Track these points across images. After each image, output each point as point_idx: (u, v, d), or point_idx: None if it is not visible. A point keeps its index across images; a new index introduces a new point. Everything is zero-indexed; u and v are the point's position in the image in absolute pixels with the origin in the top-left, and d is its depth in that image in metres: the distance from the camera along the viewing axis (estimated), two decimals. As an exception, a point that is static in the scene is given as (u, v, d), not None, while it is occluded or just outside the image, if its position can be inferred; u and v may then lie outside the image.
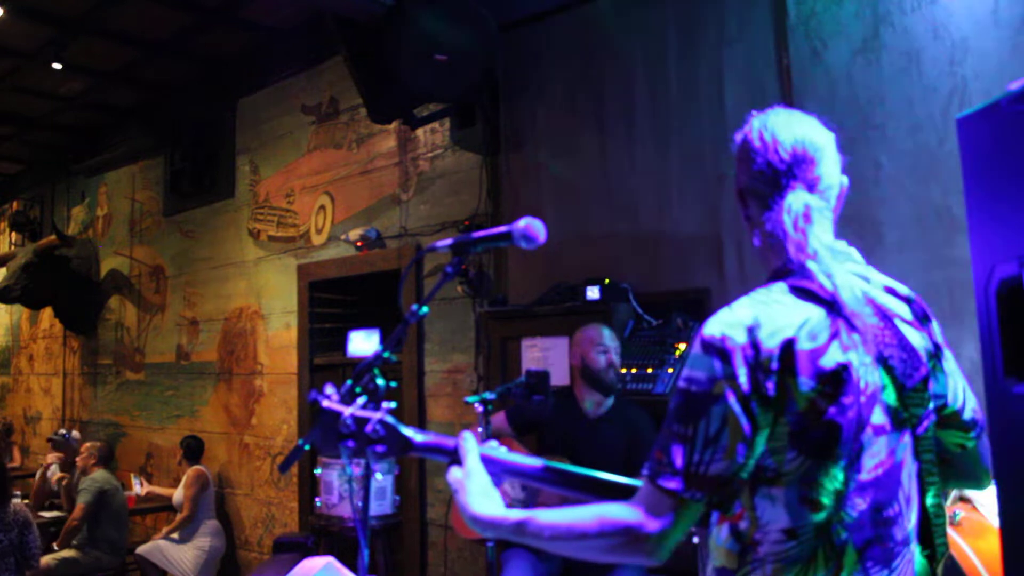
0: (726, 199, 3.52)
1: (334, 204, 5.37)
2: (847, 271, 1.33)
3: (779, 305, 1.24)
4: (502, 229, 1.37)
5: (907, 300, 1.41)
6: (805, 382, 1.19)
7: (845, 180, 1.45)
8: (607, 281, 3.61)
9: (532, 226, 1.36)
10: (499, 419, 3.28)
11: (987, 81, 2.84)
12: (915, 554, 1.30)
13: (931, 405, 1.34)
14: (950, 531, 2.09)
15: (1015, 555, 1.62)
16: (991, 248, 1.66)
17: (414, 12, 3.94)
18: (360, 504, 1.37)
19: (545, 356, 3.79)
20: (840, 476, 1.21)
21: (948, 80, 2.96)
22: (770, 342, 1.19)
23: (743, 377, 1.18)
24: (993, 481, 1.71)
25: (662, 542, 1.18)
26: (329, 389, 1.34)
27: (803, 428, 1.19)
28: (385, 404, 1.35)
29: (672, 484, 1.17)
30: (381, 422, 1.32)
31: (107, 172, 7.67)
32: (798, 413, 1.19)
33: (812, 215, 1.35)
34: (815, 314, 1.23)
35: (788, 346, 1.19)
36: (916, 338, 1.35)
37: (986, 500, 2.23)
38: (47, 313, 8.23)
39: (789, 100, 3.35)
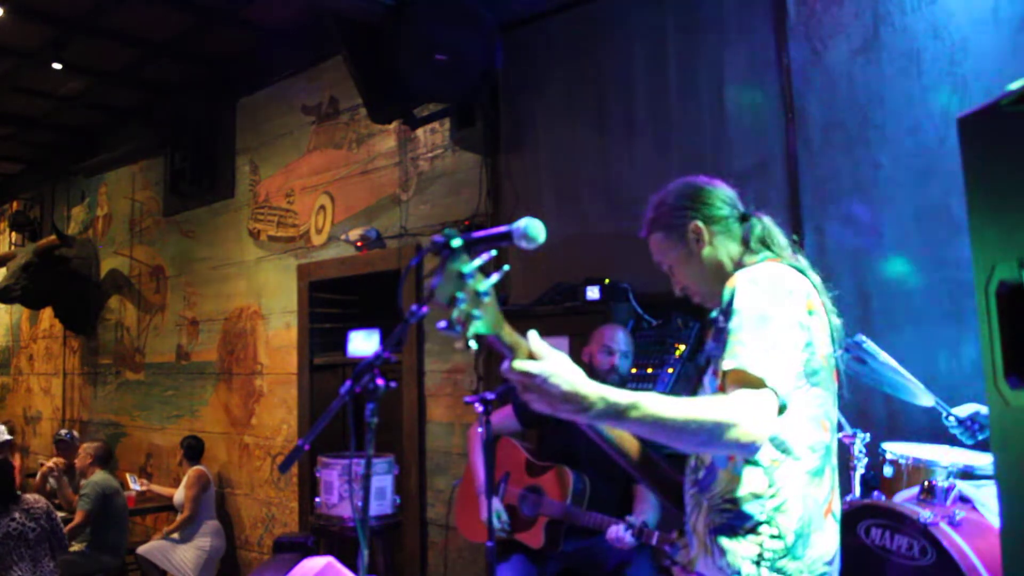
0: (726, 199, 3.52)
1: (334, 204, 5.37)
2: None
3: (793, 271, 1.57)
4: (502, 229, 1.37)
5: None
6: (819, 323, 1.52)
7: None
8: (607, 281, 3.61)
9: (532, 226, 1.36)
10: (504, 414, 3.28)
11: (987, 81, 2.84)
12: None
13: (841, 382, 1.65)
14: (950, 531, 2.09)
15: (1015, 555, 1.62)
16: (991, 248, 1.66)
17: (414, 12, 3.94)
18: (360, 504, 1.36)
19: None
20: (833, 409, 1.56)
21: (948, 80, 2.96)
22: (800, 288, 1.51)
23: (789, 306, 1.47)
24: (994, 483, 1.71)
25: (762, 429, 1.34)
26: (456, 240, 1.25)
27: (811, 358, 1.49)
28: (504, 268, 1.36)
29: (760, 371, 1.36)
30: (496, 283, 1.26)
31: (107, 172, 7.67)
32: (811, 345, 1.49)
33: (772, 227, 1.70)
34: (808, 282, 1.57)
35: (808, 295, 1.52)
36: (839, 321, 1.64)
37: (986, 500, 2.22)
38: (47, 313, 8.23)
39: (789, 100, 3.35)
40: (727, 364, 1.40)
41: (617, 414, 1.27)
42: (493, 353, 4.03)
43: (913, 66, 3.05)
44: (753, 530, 1.45)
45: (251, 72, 5.99)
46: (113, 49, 5.80)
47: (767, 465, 1.46)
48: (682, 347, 3.41)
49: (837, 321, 1.62)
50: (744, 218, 1.70)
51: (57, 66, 5.98)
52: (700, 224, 1.69)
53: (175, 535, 5.37)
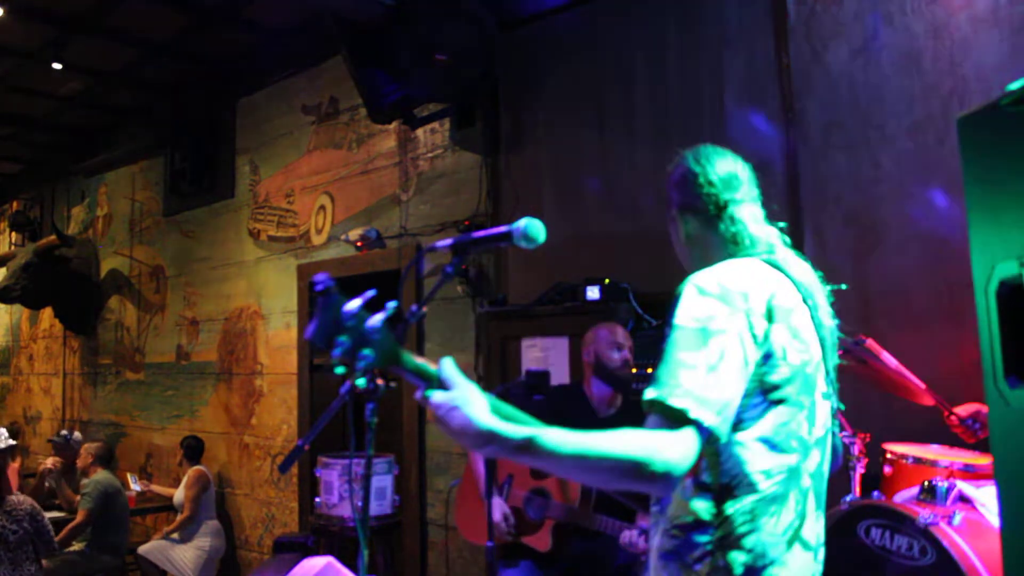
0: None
1: (334, 204, 5.37)
2: (793, 256, 1.54)
3: (758, 269, 1.44)
4: (502, 229, 1.37)
5: (822, 287, 1.58)
6: (781, 330, 1.36)
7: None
8: (607, 281, 3.61)
9: (532, 226, 1.36)
10: None
11: (987, 81, 2.84)
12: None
13: (833, 385, 1.53)
14: (950, 531, 2.09)
15: (1015, 555, 1.62)
16: (991, 248, 1.66)
17: (414, 12, 3.94)
18: (360, 504, 1.36)
19: (545, 356, 3.79)
20: (804, 425, 1.39)
21: (948, 80, 2.96)
22: (757, 292, 1.36)
23: (738, 316, 1.32)
24: (994, 483, 1.71)
25: (678, 467, 1.20)
26: (328, 282, 1.22)
27: (774, 372, 1.35)
28: (391, 304, 1.26)
29: (681, 403, 1.23)
30: (382, 323, 1.22)
31: (107, 172, 7.67)
32: (772, 357, 1.35)
33: (757, 217, 1.58)
34: (784, 282, 1.44)
35: (770, 298, 1.37)
36: (830, 320, 1.53)
37: (986, 500, 2.22)
38: (47, 313, 8.23)
39: (789, 100, 3.35)
40: (647, 393, 1.27)
41: (513, 450, 1.20)
42: (494, 353, 4.04)
43: (913, 66, 3.05)
44: (701, 559, 1.33)
45: (251, 72, 5.99)
46: (113, 49, 5.79)
47: (716, 492, 1.33)
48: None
49: (829, 322, 1.50)
50: (721, 208, 1.55)
51: (57, 66, 5.98)
52: (677, 213, 1.63)
53: (175, 535, 5.37)
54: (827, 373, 1.48)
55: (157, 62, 6.03)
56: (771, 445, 1.34)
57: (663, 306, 3.93)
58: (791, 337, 1.37)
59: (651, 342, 3.53)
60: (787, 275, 1.46)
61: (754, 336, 1.32)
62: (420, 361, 1.29)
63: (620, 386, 3.15)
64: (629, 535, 2.80)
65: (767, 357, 1.34)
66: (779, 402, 1.35)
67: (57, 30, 5.48)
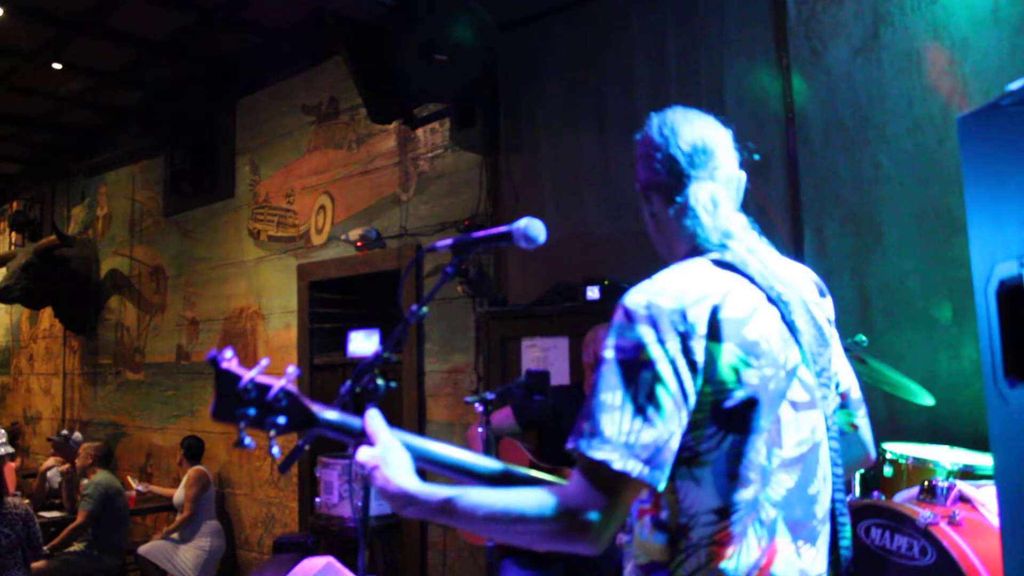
0: (726, 199, 3.52)
1: (334, 204, 5.37)
2: (765, 248, 1.36)
3: (703, 275, 1.24)
4: (502, 229, 1.37)
5: (807, 275, 1.43)
6: (730, 350, 1.18)
7: (743, 175, 1.44)
8: (607, 281, 3.61)
9: (532, 226, 1.36)
10: (504, 414, 3.28)
11: (987, 81, 2.84)
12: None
13: (832, 385, 1.36)
14: (950, 531, 2.09)
15: (1015, 555, 1.62)
16: (991, 248, 1.66)
17: (414, 12, 3.94)
18: (360, 504, 1.36)
19: (545, 356, 3.79)
20: (763, 451, 1.20)
21: (948, 80, 2.96)
22: (696, 308, 1.18)
23: (671, 342, 1.15)
24: (994, 483, 1.71)
25: (603, 525, 1.10)
26: (228, 353, 1.20)
27: (725, 398, 1.18)
28: (291, 369, 1.22)
29: (602, 454, 1.11)
30: (283, 391, 1.20)
31: (107, 172, 7.67)
32: (721, 382, 1.17)
33: (719, 200, 1.35)
34: (737, 285, 1.24)
35: (714, 313, 1.19)
36: (820, 316, 1.36)
37: (986, 500, 2.22)
38: (47, 313, 8.23)
39: (789, 100, 3.35)
40: (568, 442, 1.15)
41: (434, 512, 1.18)
42: (494, 353, 4.04)
43: (913, 66, 3.05)
44: None
45: (251, 72, 5.98)
46: (113, 49, 5.79)
47: (672, 531, 1.21)
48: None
49: (818, 318, 1.34)
50: (679, 188, 1.36)
51: (57, 66, 5.98)
52: (640, 191, 1.43)
53: (175, 535, 5.36)
54: (818, 374, 1.30)
55: (157, 62, 6.03)
56: (728, 478, 1.19)
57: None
58: (744, 354, 1.19)
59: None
60: (744, 275, 1.27)
61: (693, 362, 1.16)
62: (341, 418, 1.26)
63: None
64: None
65: (715, 383, 1.17)
66: (738, 429, 1.19)
67: (57, 30, 5.48)
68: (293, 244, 5.63)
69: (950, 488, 2.25)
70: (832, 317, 1.43)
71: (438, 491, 1.18)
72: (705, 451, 1.19)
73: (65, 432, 6.45)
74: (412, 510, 1.20)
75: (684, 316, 1.17)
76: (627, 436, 1.11)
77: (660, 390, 1.14)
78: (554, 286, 3.85)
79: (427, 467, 1.29)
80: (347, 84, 4.80)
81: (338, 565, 2.76)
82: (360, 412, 1.30)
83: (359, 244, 4.96)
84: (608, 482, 1.11)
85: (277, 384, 1.20)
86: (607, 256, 3.83)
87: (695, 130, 1.37)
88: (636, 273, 4.10)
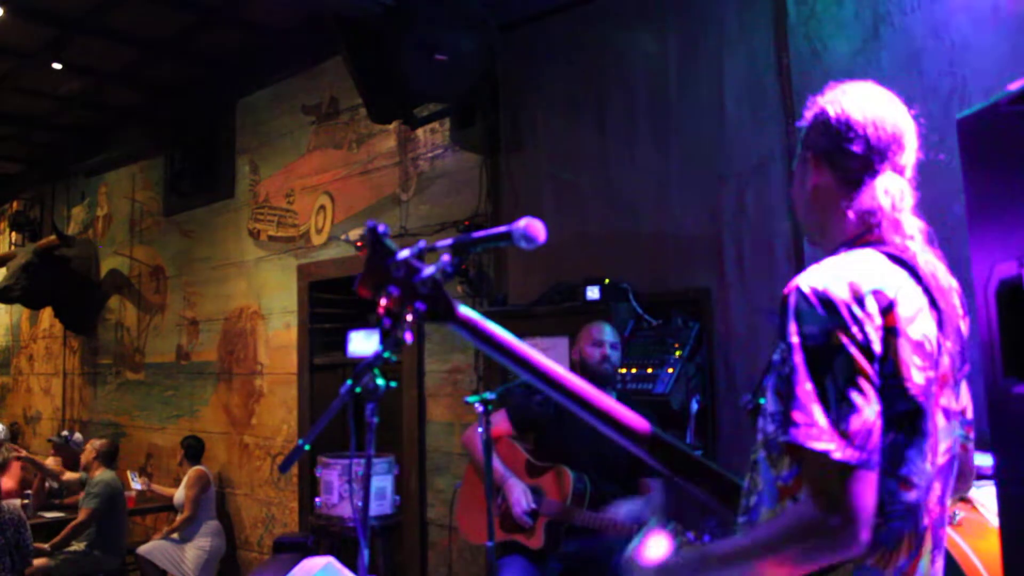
0: (726, 199, 3.52)
1: (334, 204, 5.37)
2: (933, 256, 1.31)
3: (879, 266, 1.21)
4: (502, 229, 1.37)
5: (959, 294, 1.38)
6: (903, 344, 1.15)
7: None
8: (607, 281, 3.61)
9: (532, 226, 1.36)
10: (499, 417, 3.28)
11: (987, 81, 2.84)
12: None
13: (963, 403, 1.34)
14: (950, 531, 2.09)
15: (1015, 555, 1.62)
16: (991, 248, 1.66)
17: (414, 12, 3.94)
18: (360, 504, 1.35)
19: (545, 356, 3.78)
20: (928, 456, 1.17)
21: (948, 80, 2.96)
22: (872, 298, 1.15)
23: (854, 327, 1.12)
24: (994, 483, 1.70)
25: (847, 524, 1.06)
26: (382, 226, 1.20)
27: (893, 393, 1.14)
28: (444, 258, 1.19)
29: (822, 445, 1.08)
30: (432, 277, 1.18)
31: (107, 172, 7.66)
32: (891, 376, 1.14)
33: (905, 196, 1.31)
34: (907, 283, 1.21)
35: (889, 307, 1.16)
36: (965, 334, 1.34)
37: (986, 500, 2.22)
38: (47, 313, 8.23)
39: (789, 100, 3.35)
40: (781, 436, 1.13)
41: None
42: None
43: (913, 66, 3.05)
44: None
45: (251, 72, 5.98)
46: (113, 49, 5.79)
47: None
48: (682, 347, 3.41)
49: (956, 343, 1.28)
50: (862, 171, 1.29)
51: (57, 66, 5.98)
52: (812, 156, 1.35)
53: (175, 535, 5.36)
54: (957, 385, 1.28)
55: (157, 62, 6.03)
56: (887, 475, 1.14)
57: (663, 306, 3.96)
58: (912, 352, 1.16)
59: (651, 342, 3.53)
60: (915, 275, 1.23)
61: (872, 352, 1.13)
62: (478, 316, 1.26)
63: (599, 383, 3.18)
64: None
65: (886, 376, 1.14)
66: (900, 428, 1.15)
67: (57, 30, 5.48)
68: (293, 244, 5.63)
69: (950, 488, 2.25)
70: (967, 335, 1.38)
71: (689, 552, 1.23)
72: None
73: (65, 433, 6.45)
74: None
75: (863, 304, 1.14)
76: (837, 424, 1.09)
77: (856, 374, 1.11)
78: (554, 286, 3.85)
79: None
80: (347, 84, 4.80)
81: (338, 565, 2.76)
82: (360, 412, 1.30)
83: (359, 244, 4.91)
84: (834, 476, 1.08)
85: (428, 269, 1.19)
86: (607, 256, 3.83)
87: (897, 120, 1.32)
88: (636, 273, 4.09)
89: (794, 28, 3.37)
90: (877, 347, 1.13)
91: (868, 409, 1.10)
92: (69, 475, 5.91)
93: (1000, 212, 1.63)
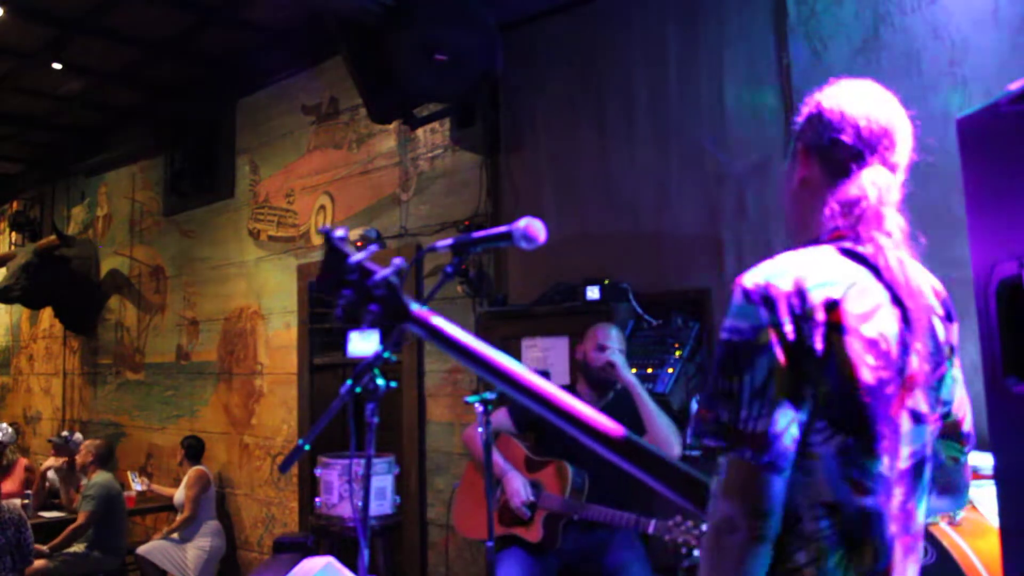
0: (726, 199, 3.52)
1: (334, 204, 5.37)
2: (908, 255, 1.27)
3: (828, 261, 1.18)
4: (502, 229, 1.37)
5: (938, 294, 1.35)
6: (851, 343, 1.12)
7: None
8: (607, 281, 3.61)
9: (532, 226, 1.36)
10: (501, 415, 3.29)
11: (987, 81, 2.84)
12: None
13: (940, 409, 1.29)
14: (950, 531, 2.09)
15: (1015, 555, 1.62)
16: (991, 248, 1.66)
17: (414, 12, 3.94)
18: (360, 504, 1.36)
19: (545, 356, 3.79)
20: (884, 460, 1.14)
21: (948, 80, 2.96)
22: (816, 294, 1.12)
23: (788, 326, 1.10)
24: (994, 483, 1.70)
25: (755, 527, 1.06)
26: (340, 231, 1.21)
27: (840, 396, 1.11)
28: (397, 260, 1.22)
29: (716, 443, 1.10)
30: (385, 279, 1.20)
31: (107, 172, 7.66)
32: (838, 377, 1.11)
33: (891, 192, 1.26)
34: (863, 278, 1.18)
35: (834, 304, 1.13)
36: (941, 335, 1.29)
37: (986, 500, 2.22)
38: (47, 313, 8.22)
39: (789, 100, 3.35)
40: (693, 434, 1.17)
41: None
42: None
43: (913, 66, 3.05)
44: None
45: (251, 72, 5.98)
46: (113, 49, 5.79)
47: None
48: (682, 347, 3.41)
49: (926, 344, 1.22)
50: (847, 162, 1.26)
51: (57, 66, 5.98)
52: (801, 148, 1.34)
53: (175, 535, 5.36)
54: (928, 390, 1.23)
55: (157, 62, 6.02)
56: (842, 479, 1.13)
57: (663, 306, 3.96)
58: (864, 350, 1.13)
59: (651, 342, 3.53)
60: (873, 269, 1.19)
61: (810, 350, 1.11)
62: (439, 321, 1.26)
63: (600, 387, 3.19)
64: (660, 524, 2.73)
65: (829, 375, 1.11)
66: (851, 430, 1.13)
67: (57, 30, 5.48)
68: (293, 244, 5.63)
69: (950, 488, 2.25)
70: (956, 344, 1.34)
71: None
72: (814, 443, 1.13)
73: (65, 433, 6.44)
74: None
75: (804, 299, 1.12)
76: (744, 424, 1.09)
77: (775, 375, 1.09)
78: (554, 286, 3.85)
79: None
80: (347, 84, 4.79)
81: (338, 565, 2.76)
82: (360, 412, 1.30)
83: (359, 244, 4.95)
84: (743, 475, 1.08)
85: (381, 272, 1.21)
86: (607, 256, 3.83)
87: (891, 117, 1.31)
88: (636, 273, 4.09)
89: (794, 28, 3.37)
90: (818, 344, 1.11)
91: (780, 412, 1.09)
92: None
93: (1000, 212, 1.63)
